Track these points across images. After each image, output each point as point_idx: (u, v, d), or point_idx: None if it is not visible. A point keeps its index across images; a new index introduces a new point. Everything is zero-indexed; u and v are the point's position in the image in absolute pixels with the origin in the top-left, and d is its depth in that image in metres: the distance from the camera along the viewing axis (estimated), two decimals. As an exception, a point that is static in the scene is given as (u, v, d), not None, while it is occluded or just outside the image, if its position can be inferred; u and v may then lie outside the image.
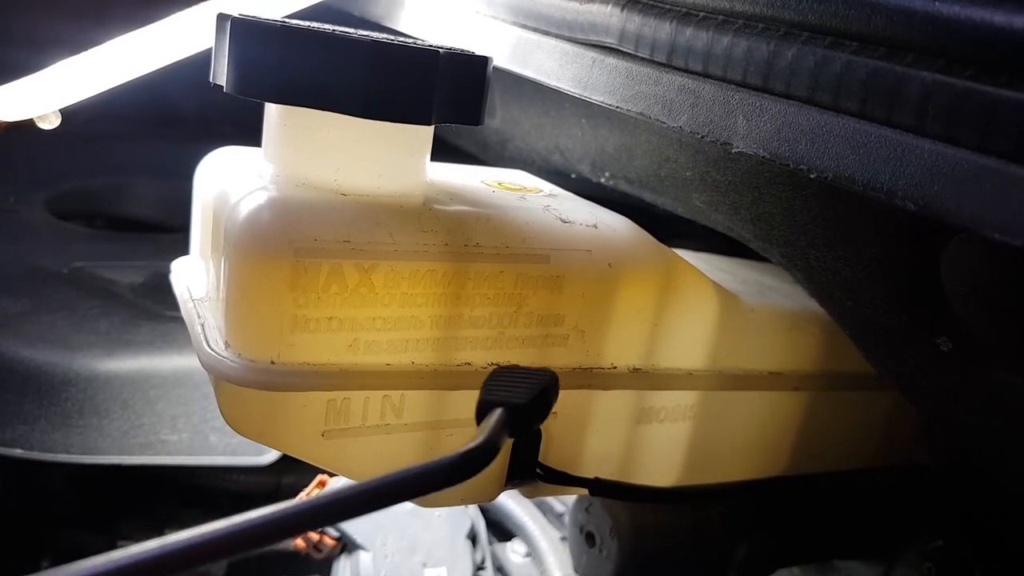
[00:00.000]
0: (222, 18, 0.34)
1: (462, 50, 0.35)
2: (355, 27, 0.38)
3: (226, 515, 0.75)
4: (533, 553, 0.65)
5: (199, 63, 0.41)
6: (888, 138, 0.25)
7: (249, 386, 0.34)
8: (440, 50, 0.33)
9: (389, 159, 0.37)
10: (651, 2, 0.34)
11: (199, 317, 0.37)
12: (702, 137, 0.31)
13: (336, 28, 0.35)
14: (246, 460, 0.69)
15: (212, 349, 0.34)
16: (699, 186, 0.47)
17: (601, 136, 0.55)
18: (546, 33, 0.40)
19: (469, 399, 0.38)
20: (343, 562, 0.65)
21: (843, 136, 0.26)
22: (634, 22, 0.34)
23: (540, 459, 0.41)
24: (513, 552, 0.67)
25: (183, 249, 0.45)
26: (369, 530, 0.64)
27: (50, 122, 0.47)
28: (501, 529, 0.69)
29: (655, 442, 0.44)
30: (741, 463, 0.49)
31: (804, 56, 0.27)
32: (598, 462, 0.43)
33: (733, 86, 0.30)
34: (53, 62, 0.46)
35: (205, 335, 0.36)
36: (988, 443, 0.41)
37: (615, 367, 0.41)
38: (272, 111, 0.37)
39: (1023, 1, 0.22)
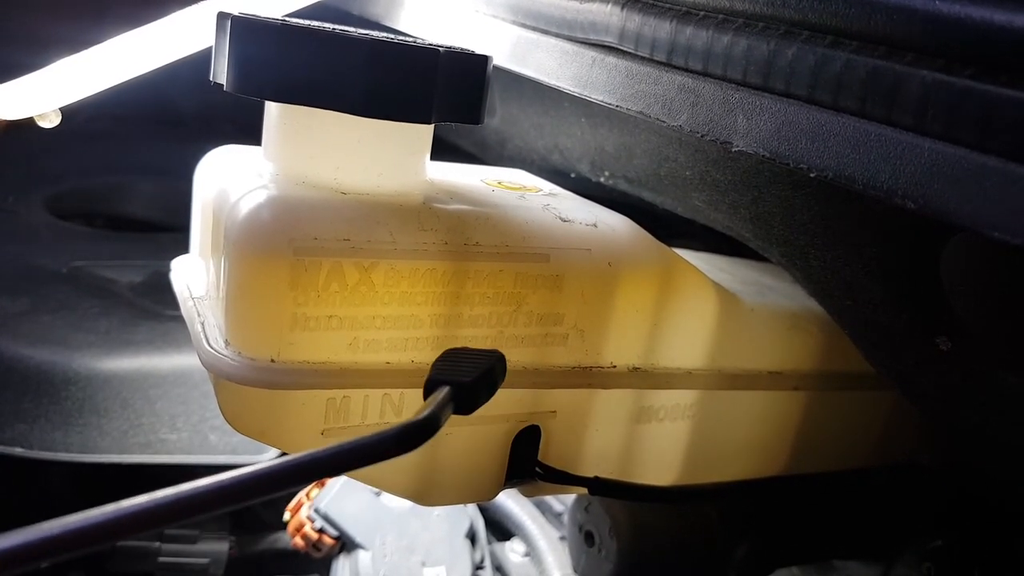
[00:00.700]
0: (222, 17, 0.34)
1: (462, 49, 0.35)
2: (355, 26, 0.38)
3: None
4: (532, 552, 0.65)
5: (199, 62, 0.41)
6: (888, 137, 0.25)
7: (249, 384, 0.34)
8: (440, 49, 0.33)
9: (389, 158, 0.37)
10: (651, 1, 0.34)
11: (199, 316, 0.37)
12: (702, 136, 0.31)
13: (336, 27, 0.35)
14: (246, 459, 0.69)
15: (212, 348, 0.34)
16: (699, 185, 0.47)
17: (601, 135, 0.55)
18: (546, 32, 0.40)
19: (469, 398, 0.38)
20: (342, 561, 0.65)
21: (843, 135, 0.26)
22: (634, 21, 0.34)
23: (539, 458, 0.41)
24: (512, 551, 0.67)
25: (183, 248, 0.45)
26: (368, 529, 0.64)
27: (50, 121, 0.47)
28: (500, 528, 0.69)
29: (654, 441, 0.44)
30: (740, 462, 0.49)
31: (804, 55, 0.27)
32: (597, 461, 0.43)
33: (733, 85, 0.30)
34: (53, 61, 0.46)
35: (205, 334, 0.36)
36: (987, 443, 0.41)
37: (615, 366, 0.41)
38: (272, 110, 0.37)
39: (1023, 1, 0.22)
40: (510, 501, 0.68)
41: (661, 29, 0.32)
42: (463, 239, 0.36)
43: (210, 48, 0.36)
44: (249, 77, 0.33)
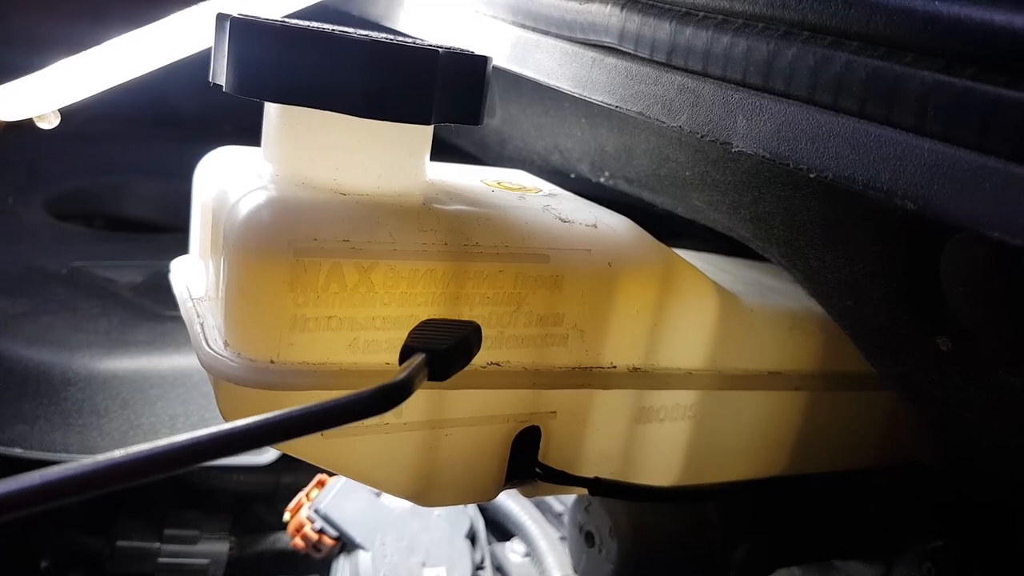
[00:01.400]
0: (221, 18, 0.34)
1: (462, 50, 0.35)
2: (354, 27, 0.38)
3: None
4: (532, 553, 0.65)
5: (198, 63, 0.41)
6: (888, 138, 0.25)
7: (248, 385, 0.34)
8: (440, 50, 0.33)
9: (389, 159, 0.37)
10: (651, 2, 0.33)
11: (198, 317, 0.37)
12: (702, 137, 0.31)
13: (335, 28, 0.35)
14: (245, 460, 0.69)
15: (211, 348, 0.34)
16: (699, 186, 0.47)
17: (601, 136, 0.55)
18: (546, 33, 0.40)
19: (469, 399, 0.38)
20: (342, 562, 0.65)
21: (843, 136, 0.26)
22: (634, 22, 0.34)
23: (539, 458, 0.41)
24: (512, 552, 0.67)
25: (182, 249, 0.45)
26: (368, 530, 0.64)
27: (49, 122, 0.47)
28: (500, 529, 0.69)
29: (655, 442, 0.44)
30: (741, 463, 0.49)
31: (804, 56, 0.27)
32: (597, 461, 0.43)
33: (733, 85, 0.30)
34: (52, 62, 0.46)
35: (204, 335, 0.36)
36: (987, 443, 0.41)
37: (615, 366, 0.41)
38: (272, 111, 0.37)
39: (1023, 1, 0.22)
40: (510, 501, 0.68)
41: (661, 30, 0.32)
42: (463, 240, 0.36)
43: (209, 49, 0.36)
44: (248, 78, 0.33)
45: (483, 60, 0.35)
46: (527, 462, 0.41)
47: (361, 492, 0.66)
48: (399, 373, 0.27)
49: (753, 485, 0.50)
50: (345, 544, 0.65)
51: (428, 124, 0.34)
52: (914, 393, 0.42)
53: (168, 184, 1.02)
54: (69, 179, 1.01)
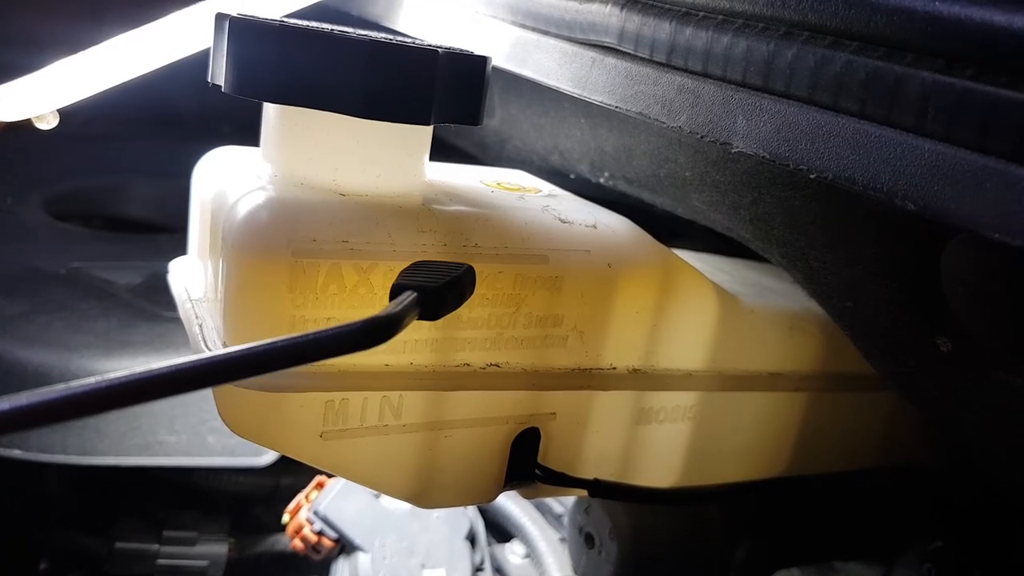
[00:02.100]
0: (220, 17, 0.34)
1: (461, 50, 0.35)
2: (354, 27, 0.38)
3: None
4: (532, 554, 0.65)
5: (197, 63, 0.41)
6: (888, 138, 0.25)
7: (247, 387, 0.34)
8: (439, 50, 0.33)
9: (388, 159, 0.37)
10: (650, 2, 0.33)
11: (197, 318, 0.37)
12: (701, 137, 0.31)
13: (335, 28, 0.35)
14: (244, 461, 0.69)
15: (210, 350, 0.34)
16: (699, 186, 0.46)
17: (600, 136, 0.55)
18: (545, 33, 0.40)
19: (468, 400, 0.38)
20: (341, 563, 0.65)
21: (843, 136, 0.26)
22: (633, 22, 0.34)
23: (539, 460, 0.41)
24: (512, 553, 0.67)
25: (181, 249, 0.45)
26: (367, 531, 0.64)
27: (47, 122, 0.47)
28: (500, 530, 0.69)
29: (654, 443, 0.44)
30: (740, 464, 0.49)
31: (804, 56, 0.27)
32: (597, 463, 0.43)
33: (733, 86, 0.30)
34: (51, 62, 0.46)
35: (203, 336, 0.35)
36: (988, 444, 0.41)
37: (614, 368, 0.41)
38: (270, 111, 0.37)
39: (1023, 1, 0.22)
40: (510, 503, 0.68)
41: (661, 30, 0.32)
42: (462, 240, 0.36)
43: (208, 49, 0.36)
44: (247, 78, 0.33)
45: (482, 60, 0.35)
46: (527, 463, 0.41)
47: (360, 494, 0.66)
48: (387, 308, 0.26)
49: (753, 486, 0.50)
50: (344, 546, 0.65)
51: (427, 124, 0.34)
52: (914, 394, 0.42)
53: (167, 185, 1.02)
54: (68, 179, 1.01)
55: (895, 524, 0.55)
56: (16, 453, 0.63)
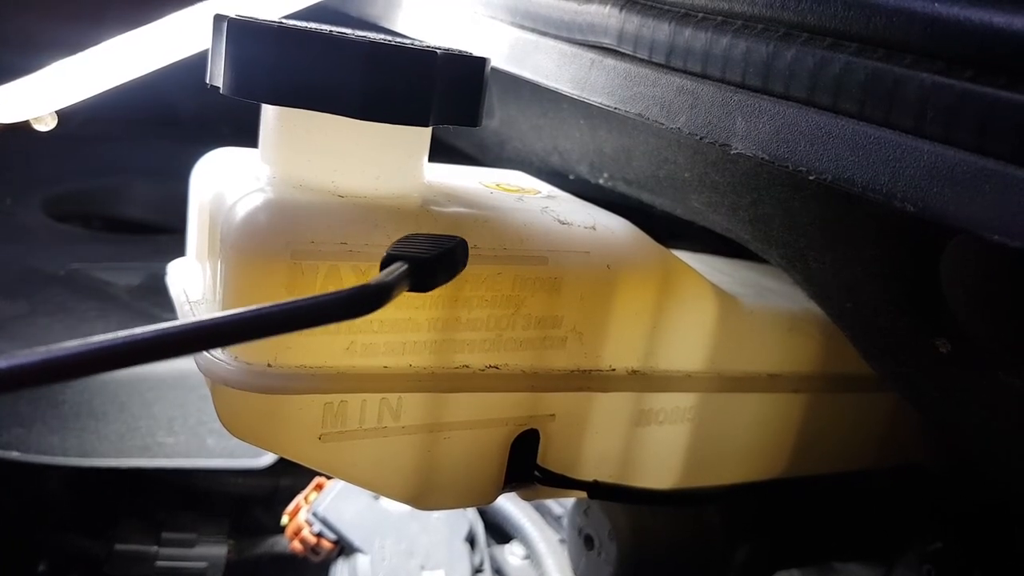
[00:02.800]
0: (219, 19, 0.34)
1: (460, 51, 0.35)
2: (352, 28, 0.38)
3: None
4: (532, 556, 0.65)
5: (196, 64, 0.41)
6: (887, 140, 0.25)
7: (246, 389, 0.33)
8: (438, 51, 0.33)
9: (386, 161, 0.36)
10: (650, 3, 0.33)
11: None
12: (701, 138, 0.31)
13: (333, 29, 0.35)
14: (243, 463, 0.69)
15: (209, 352, 0.34)
16: (698, 187, 0.46)
17: (599, 137, 0.55)
18: (544, 34, 0.40)
19: (467, 402, 0.38)
20: (340, 565, 0.65)
21: (842, 138, 0.26)
22: (632, 23, 0.34)
23: (539, 461, 0.41)
24: (511, 555, 0.67)
25: (179, 251, 0.45)
26: (367, 533, 0.64)
27: (46, 124, 0.47)
28: (499, 531, 0.69)
29: (654, 444, 0.44)
30: (740, 465, 0.49)
31: (803, 57, 0.27)
32: (597, 464, 0.43)
33: (732, 87, 0.30)
34: (49, 63, 0.46)
35: (201, 337, 0.35)
36: (987, 445, 0.41)
37: (613, 369, 0.41)
38: (269, 112, 0.37)
39: (1023, 2, 0.22)
40: (509, 504, 0.68)
41: (660, 31, 0.32)
42: (461, 242, 0.36)
43: (207, 50, 0.36)
44: (245, 80, 0.33)
45: (481, 61, 0.35)
46: (526, 465, 0.41)
47: (359, 495, 0.66)
48: (377, 278, 0.26)
49: (753, 487, 0.50)
50: (343, 547, 0.65)
51: (426, 126, 0.34)
52: (913, 395, 0.42)
53: (165, 186, 1.02)
54: (67, 180, 1.01)
55: (895, 525, 0.55)
56: (15, 455, 0.63)
